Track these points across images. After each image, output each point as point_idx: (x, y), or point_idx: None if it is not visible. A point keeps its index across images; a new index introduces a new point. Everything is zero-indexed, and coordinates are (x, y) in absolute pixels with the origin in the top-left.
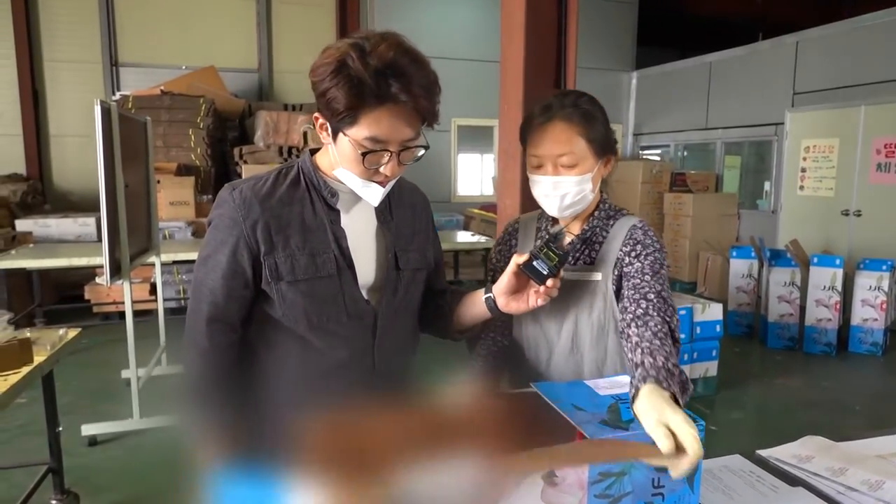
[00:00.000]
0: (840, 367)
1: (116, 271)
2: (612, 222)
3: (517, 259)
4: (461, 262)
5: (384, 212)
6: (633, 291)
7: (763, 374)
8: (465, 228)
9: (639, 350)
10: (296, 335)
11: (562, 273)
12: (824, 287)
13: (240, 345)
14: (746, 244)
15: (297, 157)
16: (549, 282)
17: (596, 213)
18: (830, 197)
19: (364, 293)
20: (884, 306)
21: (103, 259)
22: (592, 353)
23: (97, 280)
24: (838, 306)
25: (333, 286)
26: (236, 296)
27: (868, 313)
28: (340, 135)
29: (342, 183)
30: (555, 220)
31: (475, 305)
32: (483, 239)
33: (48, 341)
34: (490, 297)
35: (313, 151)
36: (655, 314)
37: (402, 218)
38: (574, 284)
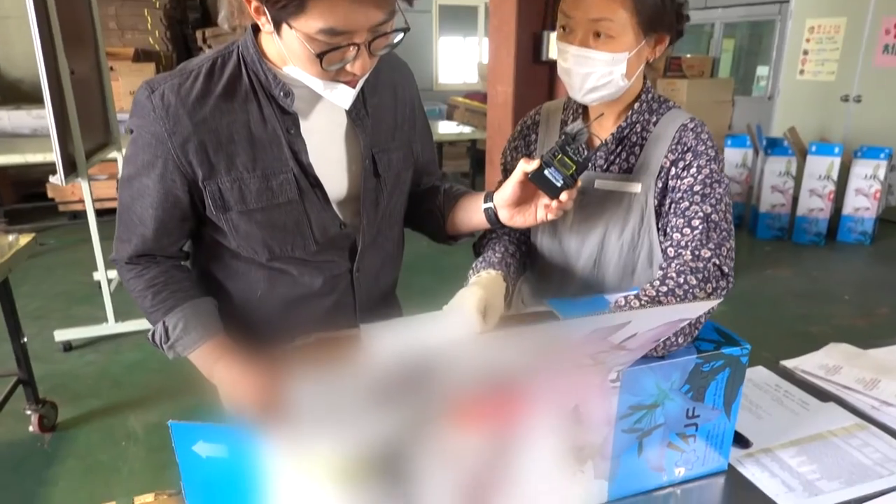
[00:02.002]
0: (829, 257)
1: (72, 169)
2: (655, 118)
3: (525, 166)
4: (445, 153)
5: (357, 106)
6: (677, 217)
7: (752, 265)
8: (449, 118)
9: (663, 286)
10: (257, 263)
11: (579, 183)
12: (820, 176)
13: (191, 267)
14: (740, 132)
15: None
16: (563, 195)
17: (636, 105)
18: (831, 81)
19: (337, 210)
20: (877, 195)
21: (55, 156)
22: (616, 279)
23: (51, 179)
24: (832, 196)
25: (296, 212)
26: (171, 228)
27: (860, 202)
28: (284, 26)
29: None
30: (584, 110)
31: (473, 213)
32: (468, 129)
33: None
34: (490, 207)
35: (256, 29)
36: (698, 246)
37: (380, 108)
38: (606, 195)
